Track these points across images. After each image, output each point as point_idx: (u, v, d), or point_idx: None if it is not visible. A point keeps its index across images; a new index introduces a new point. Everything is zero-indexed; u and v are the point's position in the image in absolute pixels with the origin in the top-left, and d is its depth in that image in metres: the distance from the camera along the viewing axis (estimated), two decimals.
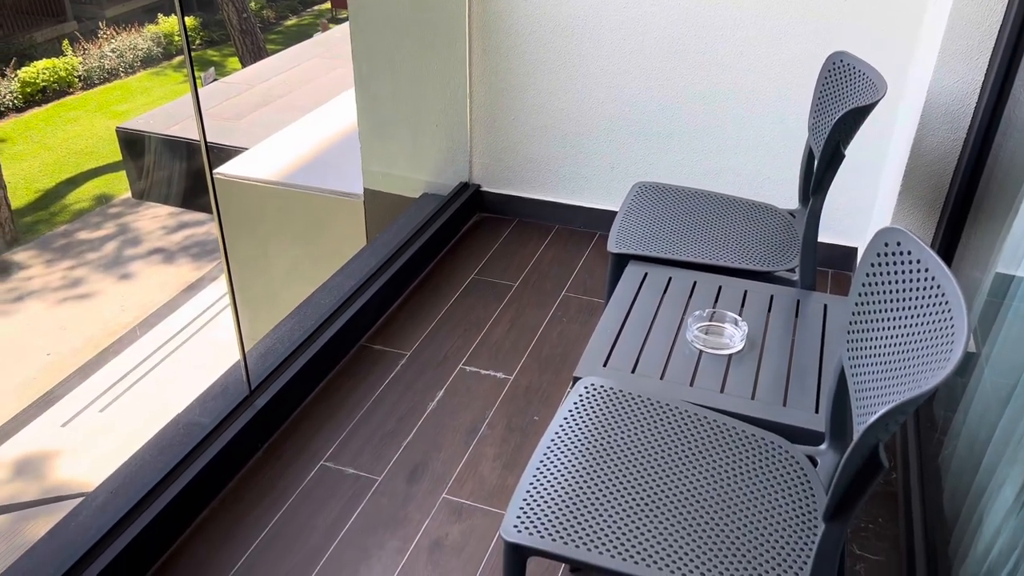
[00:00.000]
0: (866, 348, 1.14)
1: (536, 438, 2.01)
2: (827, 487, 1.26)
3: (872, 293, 1.16)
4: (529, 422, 2.06)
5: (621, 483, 1.24)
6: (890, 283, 1.12)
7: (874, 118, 2.43)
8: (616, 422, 1.35)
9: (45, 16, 12.66)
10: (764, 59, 2.47)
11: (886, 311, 1.11)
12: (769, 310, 1.67)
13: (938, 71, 1.95)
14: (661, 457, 1.29)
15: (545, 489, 1.23)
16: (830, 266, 2.68)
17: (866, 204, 2.58)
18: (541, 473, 1.26)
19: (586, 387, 1.42)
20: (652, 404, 1.39)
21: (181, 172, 8.84)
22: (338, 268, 2.59)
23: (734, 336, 1.56)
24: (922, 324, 1.00)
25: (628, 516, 1.19)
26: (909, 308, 1.06)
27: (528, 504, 1.21)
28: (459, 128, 2.89)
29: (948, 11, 1.90)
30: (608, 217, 2.85)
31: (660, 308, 1.66)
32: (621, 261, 1.82)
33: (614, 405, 1.38)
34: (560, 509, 1.20)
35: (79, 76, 12.05)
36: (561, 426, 1.35)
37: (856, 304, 1.19)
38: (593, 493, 1.23)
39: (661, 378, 1.48)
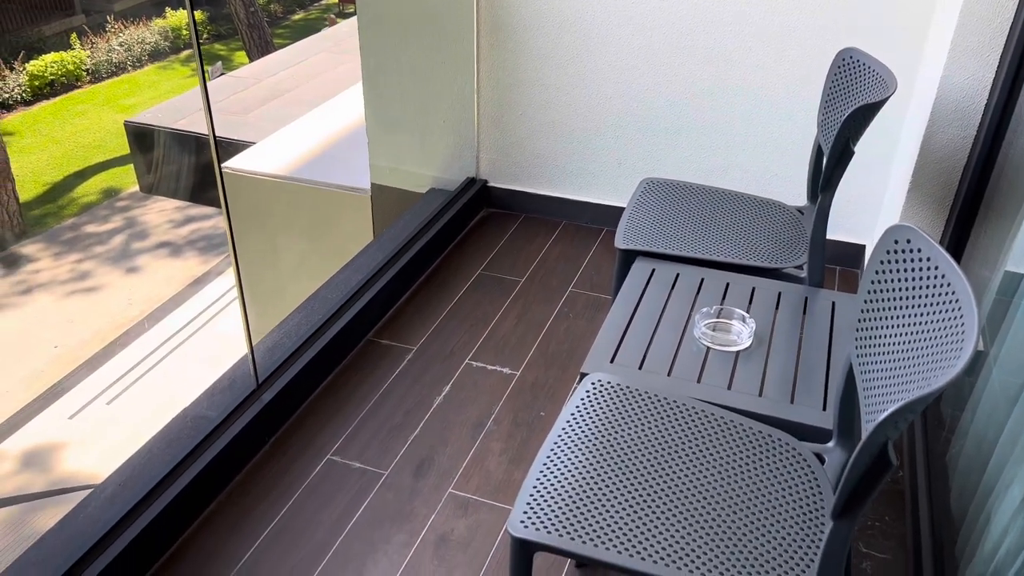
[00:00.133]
0: (875, 346, 1.13)
1: (542, 433, 2.02)
2: (834, 485, 1.26)
3: (881, 291, 1.15)
4: (535, 417, 2.07)
5: (628, 479, 1.24)
6: (900, 281, 1.12)
7: (883, 115, 2.42)
8: (623, 418, 1.35)
9: (54, 9, 12.69)
10: (773, 55, 2.46)
11: (895, 309, 1.11)
12: (777, 307, 1.66)
13: (948, 68, 1.94)
14: (668, 453, 1.29)
15: (552, 485, 1.23)
16: (838, 263, 2.67)
17: (874, 201, 2.57)
18: (548, 469, 1.26)
19: (593, 383, 1.42)
20: (659, 401, 1.39)
21: (189, 166, 8.85)
22: (345, 263, 2.60)
23: (742, 333, 1.56)
24: (932, 322, 1.00)
25: (635, 512, 1.19)
26: (919, 306, 1.06)
27: (535, 499, 1.21)
28: (466, 123, 2.89)
29: (959, 7, 1.89)
30: (615, 213, 2.85)
31: (667, 304, 1.66)
32: (628, 257, 1.82)
33: (621, 401, 1.38)
34: (567, 505, 1.20)
35: (87, 70, 12.07)
36: (568, 422, 1.35)
37: (865, 302, 1.19)
38: (600, 489, 1.23)
39: (668, 375, 1.48)
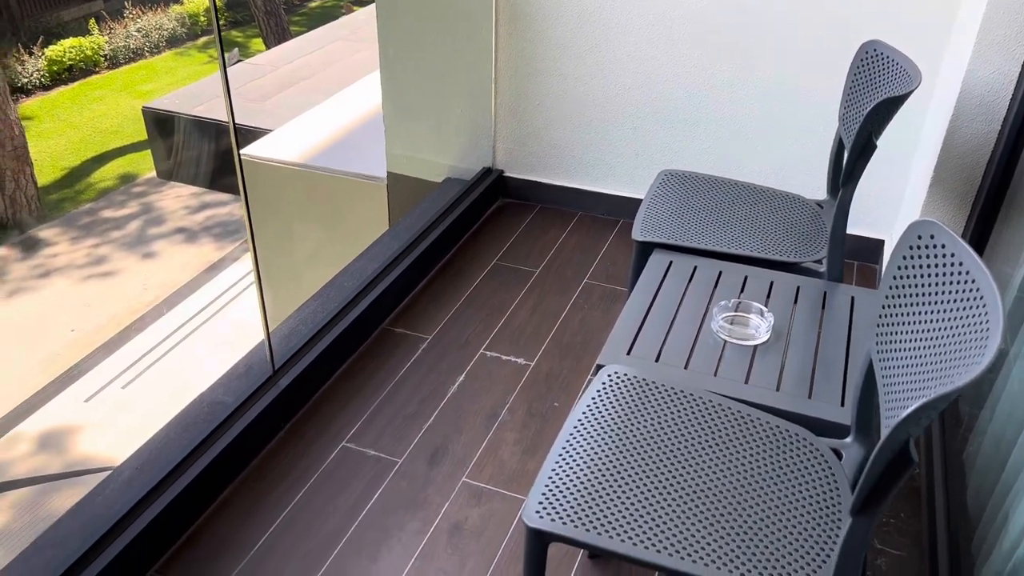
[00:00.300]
0: (896, 342, 1.12)
1: (556, 424, 2.02)
2: (852, 481, 1.25)
3: (903, 286, 1.14)
4: (549, 408, 2.07)
5: (644, 471, 1.24)
6: (922, 276, 1.10)
7: (905, 108, 2.39)
8: (639, 411, 1.35)
9: None
10: (794, 47, 2.44)
11: (917, 305, 1.10)
12: (795, 301, 1.65)
13: (974, 61, 1.91)
14: (684, 447, 1.29)
15: (567, 475, 1.23)
16: (856, 258, 2.65)
17: (894, 196, 2.55)
18: (563, 459, 1.26)
19: (609, 375, 1.42)
20: (676, 393, 1.38)
21: (205, 153, 8.88)
22: (360, 251, 2.60)
23: (760, 327, 1.55)
24: (955, 319, 0.99)
25: (650, 504, 1.19)
26: (941, 302, 1.05)
27: (550, 490, 1.21)
28: (483, 113, 2.88)
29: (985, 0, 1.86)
30: (632, 205, 2.84)
31: (685, 297, 1.65)
32: (646, 249, 1.81)
33: (637, 394, 1.38)
34: (582, 496, 1.20)
35: (105, 55, 12.12)
36: (584, 413, 1.35)
37: (886, 297, 1.18)
38: (616, 481, 1.23)
39: (685, 367, 1.47)
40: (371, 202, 3.42)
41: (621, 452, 1.27)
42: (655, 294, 1.66)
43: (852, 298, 1.67)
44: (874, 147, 1.63)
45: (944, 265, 1.07)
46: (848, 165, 1.67)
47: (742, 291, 1.68)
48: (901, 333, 1.12)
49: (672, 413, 1.35)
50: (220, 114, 8.34)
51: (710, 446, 1.29)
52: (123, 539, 1.55)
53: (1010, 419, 1.49)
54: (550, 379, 2.16)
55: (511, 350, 2.27)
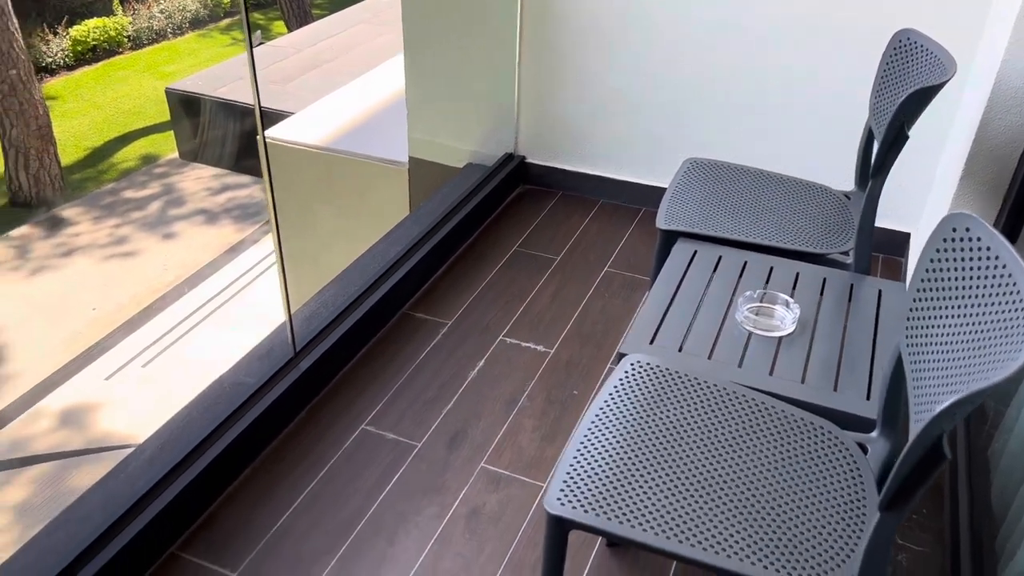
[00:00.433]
0: (928, 336, 1.11)
1: (575, 412, 2.01)
2: (877, 475, 1.24)
3: (936, 279, 1.12)
4: (568, 396, 2.06)
5: (666, 461, 1.23)
6: (957, 270, 1.08)
7: (935, 98, 2.35)
8: (662, 400, 1.34)
9: None
10: (824, 35, 2.40)
11: (951, 299, 1.08)
12: (821, 293, 1.63)
13: (1010, 51, 1.87)
14: (707, 437, 1.28)
15: (589, 463, 1.23)
16: (880, 251, 2.62)
17: (921, 188, 2.51)
18: (585, 448, 1.26)
19: (632, 364, 1.41)
20: (699, 384, 1.37)
21: (228, 134, 8.92)
22: (380, 235, 2.60)
23: (785, 318, 1.53)
24: (991, 314, 0.97)
25: (673, 495, 1.18)
26: (976, 297, 1.03)
27: (572, 478, 1.21)
28: (506, 98, 2.86)
29: None
30: (654, 193, 2.82)
31: (709, 287, 1.64)
32: (670, 238, 1.79)
33: (660, 383, 1.37)
34: (604, 484, 1.19)
35: (128, 36, 12.18)
36: (606, 401, 1.34)
37: (918, 291, 1.16)
38: (637, 470, 1.22)
39: (709, 358, 1.46)
40: (392, 187, 3.42)
41: (643, 441, 1.27)
42: (679, 283, 1.64)
43: (879, 291, 1.64)
44: (906, 138, 1.60)
45: (979, 259, 1.05)
46: (879, 156, 1.64)
47: (767, 282, 1.66)
48: (933, 327, 1.10)
49: (695, 403, 1.34)
50: (242, 96, 8.36)
51: (733, 437, 1.28)
52: (145, 516, 1.57)
53: None
54: (569, 367, 2.16)
55: (531, 337, 2.26)
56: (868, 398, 1.38)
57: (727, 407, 1.33)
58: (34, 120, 9.31)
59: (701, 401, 1.34)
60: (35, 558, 1.47)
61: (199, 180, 9.97)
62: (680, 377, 1.38)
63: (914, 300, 1.16)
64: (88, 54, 11.77)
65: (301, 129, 3.81)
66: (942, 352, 1.05)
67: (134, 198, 9.80)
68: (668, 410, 1.32)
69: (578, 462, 1.23)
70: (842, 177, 2.58)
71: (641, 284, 2.48)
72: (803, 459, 1.25)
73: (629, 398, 1.34)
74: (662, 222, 1.80)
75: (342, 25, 10.41)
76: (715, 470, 1.23)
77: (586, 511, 1.16)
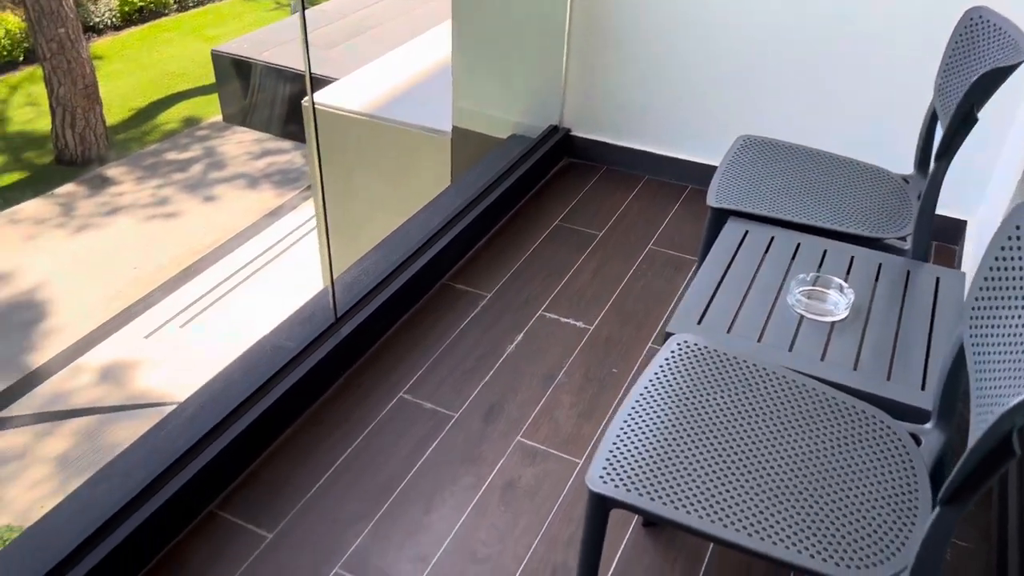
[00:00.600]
0: (994, 329, 1.06)
1: (614, 390, 1.99)
2: (930, 468, 1.20)
3: (1006, 269, 1.07)
4: (607, 374, 2.04)
5: (712, 443, 1.21)
6: None
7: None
8: (709, 381, 1.31)
9: None
10: (888, 11, 2.31)
11: (1022, 290, 1.03)
12: (876, 279, 1.59)
13: None
14: (755, 421, 1.25)
15: (632, 442, 1.21)
16: (933, 238, 2.54)
17: (980, 175, 2.43)
18: (629, 426, 1.24)
19: (679, 343, 1.38)
20: (748, 366, 1.34)
21: (271, 99, 8.94)
22: (421, 204, 2.59)
23: (838, 303, 1.49)
24: None
25: (718, 477, 1.16)
26: None
27: (615, 456, 1.19)
28: (554, 69, 2.81)
29: None
30: (701, 171, 2.76)
31: (760, 268, 1.60)
32: (720, 216, 1.75)
33: (707, 364, 1.34)
34: (647, 463, 1.17)
35: None
36: (651, 380, 1.31)
37: (985, 279, 1.11)
38: (682, 451, 1.20)
39: (758, 341, 1.43)
40: (434, 156, 3.39)
41: (689, 422, 1.24)
42: (729, 263, 1.61)
43: (937, 279, 1.59)
44: (975, 120, 1.54)
45: None
46: (944, 139, 1.58)
47: (820, 265, 1.62)
48: (1001, 319, 1.05)
49: (743, 386, 1.31)
50: (287, 60, 8.35)
51: (782, 422, 1.25)
52: (185, 474, 1.59)
53: None
54: (609, 345, 2.13)
55: (571, 313, 2.24)
56: (923, 388, 1.34)
57: (776, 391, 1.30)
58: (81, 79, 9.43)
59: (750, 384, 1.31)
60: (78, 510, 1.50)
61: (240, 144, 10.04)
62: (728, 359, 1.35)
63: (980, 290, 1.12)
64: (135, 15, 11.87)
65: (345, 95, 3.80)
66: (1010, 346, 1.01)
67: (176, 160, 9.91)
68: (715, 392, 1.29)
69: (621, 440, 1.21)
70: (900, 160, 2.50)
71: (685, 264, 2.43)
72: (853, 448, 1.22)
73: (675, 378, 1.31)
74: (713, 200, 1.76)
75: None
76: (762, 455, 1.20)
77: (628, 490, 1.14)
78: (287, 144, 9.82)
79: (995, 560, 1.58)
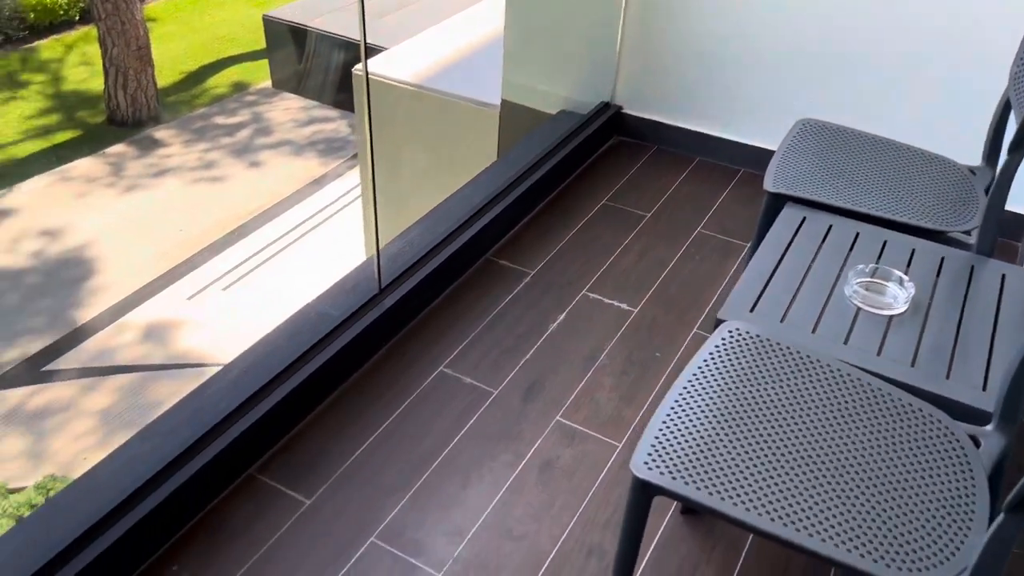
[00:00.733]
0: None
1: (656, 375, 1.96)
2: (989, 472, 1.16)
3: None
4: (650, 358, 2.01)
5: (761, 434, 1.18)
6: None
7: None
8: (760, 371, 1.28)
9: None
10: None
11: None
12: (938, 273, 1.53)
13: None
14: (807, 414, 1.22)
15: (679, 429, 1.18)
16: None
17: None
18: (675, 412, 1.21)
19: (730, 331, 1.35)
20: (801, 357, 1.30)
21: (321, 66, 8.96)
22: (466, 177, 2.56)
23: (898, 296, 1.44)
24: None
25: (765, 470, 1.13)
26: None
27: (660, 442, 1.17)
28: (608, 44, 2.76)
29: None
30: (755, 154, 2.69)
31: (817, 257, 1.55)
32: (777, 202, 1.70)
33: (759, 353, 1.30)
34: (694, 452, 1.15)
35: None
36: (700, 367, 1.29)
37: None
38: (731, 440, 1.17)
39: (812, 332, 1.39)
40: (481, 129, 3.36)
41: (738, 411, 1.21)
42: (784, 251, 1.56)
43: (1003, 276, 1.53)
44: None
45: None
46: (1019, 131, 1.51)
47: (880, 256, 1.56)
48: None
49: (796, 377, 1.27)
50: (337, 28, 8.36)
51: (835, 416, 1.22)
52: (227, 436, 1.60)
53: None
54: (653, 328, 2.10)
55: (614, 294, 2.21)
56: (984, 389, 1.29)
57: (831, 384, 1.26)
58: (134, 40, 9.54)
59: (802, 376, 1.27)
60: (123, 465, 1.52)
61: (287, 111, 10.10)
62: (781, 349, 1.32)
63: None
64: None
65: (395, 64, 3.78)
66: None
67: (224, 124, 10.01)
68: (767, 381, 1.26)
69: (667, 427, 1.19)
70: (967, 150, 2.41)
71: (735, 249, 2.38)
72: (909, 447, 1.18)
73: (726, 366, 1.28)
74: (770, 184, 1.71)
75: None
76: (812, 448, 1.17)
77: (675, 478, 1.12)
78: (334, 112, 9.85)
79: None
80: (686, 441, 1.17)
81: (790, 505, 1.09)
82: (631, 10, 2.66)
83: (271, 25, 8.75)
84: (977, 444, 1.20)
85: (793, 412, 1.22)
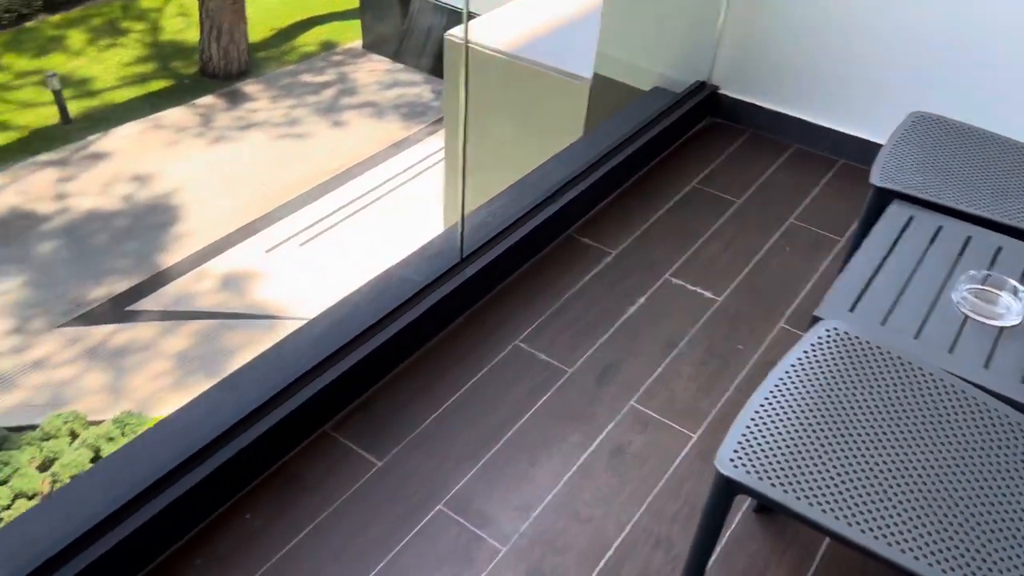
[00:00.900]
0: None
1: (737, 368, 1.91)
2: None
3: None
4: (732, 350, 1.95)
5: (855, 441, 1.13)
6: None
7: None
8: (858, 374, 1.22)
9: None
10: None
11: None
12: None
13: None
14: (905, 423, 1.16)
15: (768, 428, 1.14)
16: None
17: None
18: (765, 410, 1.17)
19: (828, 330, 1.29)
20: (902, 363, 1.24)
21: (411, 29, 8.98)
22: (552, 150, 2.52)
23: (1011, 307, 1.36)
24: None
25: (858, 478, 1.08)
26: None
27: (747, 440, 1.12)
28: (710, 20, 2.66)
29: None
30: (858, 146, 2.57)
31: (924, 259, 1.47)
32: (884, 198, 1.62)
33: (858, 355, 1.25)
34: (782, 453, 1.11)
35: None
36: (793, 365, 1.23)
37: None
38: (821, 445, 1.12)
39: (915, 337, 1.32)
40: (571, 102, 3.30)
41: (832, 414, 1.16)
42: (889, 250, 1.48)
43: None
44: None
45: None
46: None
47: (992, 263, 1.47)
48: None
49: (895, 383, 1.21)
50: None
51: (935, 428, 1.15)
52: (307, 391, 1.62)
53: None
54: (736, 320, 2.04)
55: (699, 281, 2.15)
56: None
57: (932, 394, 1.20)
58: None
59: (902, 382, 1.21)
60: (206, 412, 1.56)
61: (372, 72, 10.19)
62: (881, 352, 1.25)
63: None
64: None
65: (485, 31, 3.74)
66: None
67: (310, 83, 10.16)
68: (864, 385, 1.20)
69: (756, 424, 1.15)
70: None
71: (828, 243, 2.29)
72: (1014, 468, 1.11)
73: (821, 365, 1.23)
74: (877, 178, 1.62)
75: None
76: (907, 459, 1.11)
77: (760, 478, 1.08)
78: (418, 77, 9.89)
79: None
80: (775, 440, 1.12)
81: (881, 517, 1.04)
82: None
83: None
84: None
85: (889, 420, 1.16)
